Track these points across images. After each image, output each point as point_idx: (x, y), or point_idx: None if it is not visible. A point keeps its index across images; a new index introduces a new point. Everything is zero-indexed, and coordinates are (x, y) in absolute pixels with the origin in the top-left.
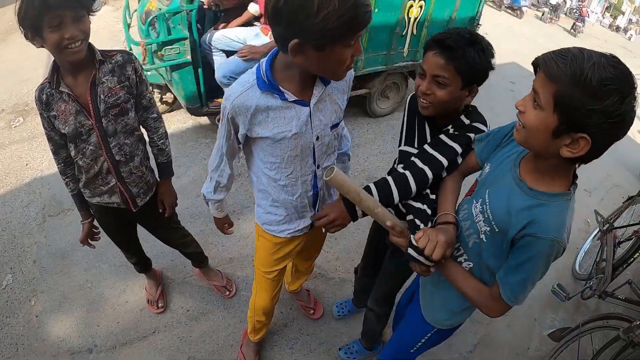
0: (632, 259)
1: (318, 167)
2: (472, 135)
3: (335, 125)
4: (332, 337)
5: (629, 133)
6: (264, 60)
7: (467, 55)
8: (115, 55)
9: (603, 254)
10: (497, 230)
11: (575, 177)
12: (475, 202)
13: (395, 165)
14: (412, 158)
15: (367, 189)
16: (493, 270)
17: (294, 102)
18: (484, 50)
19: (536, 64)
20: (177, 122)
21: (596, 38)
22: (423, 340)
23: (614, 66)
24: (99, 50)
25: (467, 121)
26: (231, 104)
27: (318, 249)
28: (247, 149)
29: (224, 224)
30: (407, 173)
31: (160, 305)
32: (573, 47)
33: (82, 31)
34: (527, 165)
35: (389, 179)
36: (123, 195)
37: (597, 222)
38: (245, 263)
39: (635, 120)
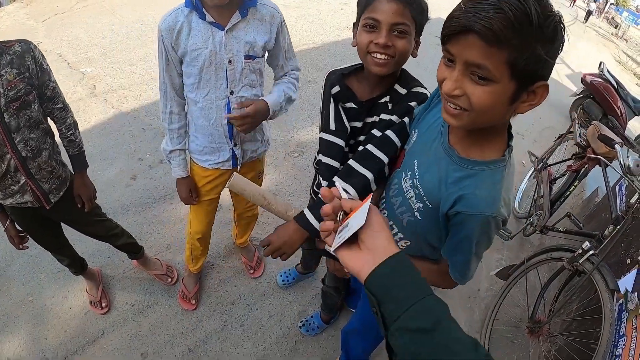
0: (568, 192)
1: (231, 94)
2: (412, 103)
3: (249, 57)
4: (281, 308)
5: (556, 77)
6: None
7: None
8: (13, 45)
9: (540, 191)
10: (430, 206)
11: (510, 137)
12: (404, 175)
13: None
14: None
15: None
16: (434, 244)
17: (211, 23)
18: None
19: (460, 29)
20: (98, 113)
21: None
22: None
23: None
24: None
25: (403, 90)
26: (160, 26)
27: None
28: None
29: (189, 190)
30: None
31: (104, 305)
32: None
33: None
34: (458, 130)
35: (352, 163)
36: (35, 192)
37: (532, 162)
38: (183, 247)
39: (561, 63)
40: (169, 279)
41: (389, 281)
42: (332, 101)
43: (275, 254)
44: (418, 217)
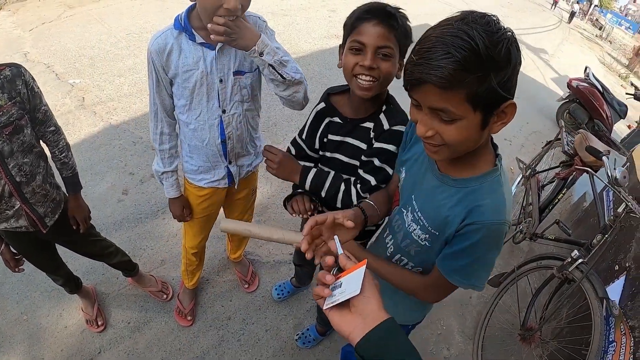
0: (557, 199)
1: (224, 112)
2: (391, 147)
3: (238, 73)
4: (277, 322)
5: (542, 80)
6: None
7: (403, 22)
8: (3, 70)
9: (529, 199)
10: (437, 234)
11: (495, 147)
12: (405, 210)
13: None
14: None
15: (306, 170)
16: None
17: (201, 44)
18: (407, 19)
19: (416, 81)
20: (87, 126)
21: None
22: None
23: (482, 25)
24: None
25: (386, 124)
26: (150, 47)
27: (247, 207)
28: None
29: (182, 209)
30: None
31: (100, 323)
32: (427, 35)
33: None
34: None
35: (331, 174)
36: (30, 217)
37: (520, 168)
38: (177, 262)
39: (547, 67)
40: (164, 296)
41: (379, 348)
42: (313, 115)
43: (269, 162)
44: (427, 244)
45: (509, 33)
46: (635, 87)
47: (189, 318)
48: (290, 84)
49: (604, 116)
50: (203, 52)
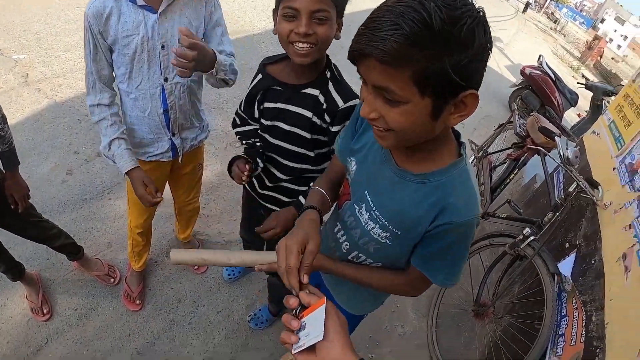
0: (508, 180)
1: (166, 80)
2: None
3: None
4: (228, 303)
5: (496, 67)
6: None
7: None
8: None
9: (481, 179)
10: (398, 232)
11: (457, 135)
12: (357, 207)
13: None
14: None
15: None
16: (406, 259)
17: (142, 6)
18: None
19: (357, 53)
20: (30, 103)
21: None
22: (355, 326)
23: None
24: None
25: (340, 102)
26: (87, 11)
27: (194, 183)
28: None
29: (142, 182)
30: None
31: (45, 311)
32: (380, 5)
33: None
34: (400, 151)
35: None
36: None
37: (472, 150)
38: (125, 244)
39: (501, 55)
40: (112, 279)
41: None
42: (250, 88)
43: (275, 237)
44: (387, 242)
45: (478, 12)
46: (586, 78)
47: (138, 302)
48: (227, 81)
49: (556, 103)
50: (144, 15)
